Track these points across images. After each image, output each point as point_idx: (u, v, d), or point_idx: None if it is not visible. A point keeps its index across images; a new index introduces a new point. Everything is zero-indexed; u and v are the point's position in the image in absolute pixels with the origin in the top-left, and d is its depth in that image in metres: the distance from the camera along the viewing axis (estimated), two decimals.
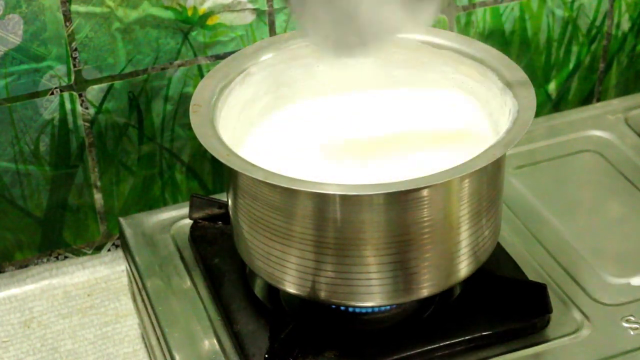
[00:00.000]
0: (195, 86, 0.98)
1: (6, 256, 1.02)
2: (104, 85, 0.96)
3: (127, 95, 0.97)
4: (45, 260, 1.03)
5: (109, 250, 1.05)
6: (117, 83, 0.97)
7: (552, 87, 1.13)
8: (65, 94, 0.95)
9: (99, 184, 1.01)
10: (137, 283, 0.90)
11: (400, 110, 0.88)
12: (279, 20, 0.99)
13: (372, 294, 0.77)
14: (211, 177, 1.05)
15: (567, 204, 0.96)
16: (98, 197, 1.02)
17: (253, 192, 0.77)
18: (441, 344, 0.80)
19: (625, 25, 1.12)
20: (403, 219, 0.75)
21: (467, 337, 0.80)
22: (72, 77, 0.95)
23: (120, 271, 1.03)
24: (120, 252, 1.04)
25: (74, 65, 0.94)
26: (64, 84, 0.95)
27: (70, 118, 0.97)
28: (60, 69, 0.94)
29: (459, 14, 1.05)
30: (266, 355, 0.78)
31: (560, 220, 0.93)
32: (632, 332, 0.82)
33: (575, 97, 1.15)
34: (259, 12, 0.98)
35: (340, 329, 0.82)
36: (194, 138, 0.78)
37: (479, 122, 0.85)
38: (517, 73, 0.82)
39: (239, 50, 0.88)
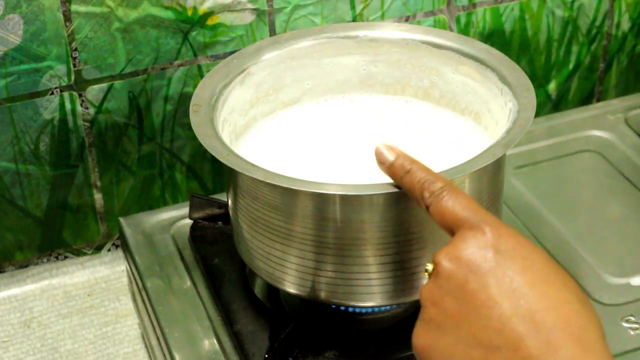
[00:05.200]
0: (195, 86, 0.98)
1: (6, 256, 1.02)
2: (104, 85, 0.96)
3: (127, 95, 0.97)
4: (45, 260, 1.03)
5: (109, 250, 1.05)
6: (117, 83, 0.97)
7: (552, 87, 1.13)
8: (65, 94, 0.95)
9: (99, 184, 1.01)
10: (137, 283, 0.90)
11: (401, 110, 0.88)
12: (279, 20, 0.99)
13: (372, 294, 0.77)
14: (211, 177, 1.05)
15: (567, 204, 0.96)
16: (98, 197, 1.02)
17: (253, 192, 0.77)
18: None
19: (625, 25, 1.12)
20: (403, 219, 0.75)
21: None
22: (72, 77, 0.95)
23: (120, 271, 1.03)
24: (120, 252, 1.04)
25: (74, 65, 0.94)
26: (64, 83, 0.95)
27: (70, 118, 0.97)
28: (60, 68, 0.94)
29: (459, 14, 1.05)
30: (266, 355, 0.78)
31: (560, 220, 0.93)
32: (632, 332, 0.82)
33: (575, 97, 1.15)
34: (259, 12, 0.98)
35: (340, 329, 0.82)
36: (194, 138, 0.78)
37: (478, 123, 0.86)
38: (517, 73, 0.82)
39: (239, 50, 0.88)
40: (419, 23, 1.03)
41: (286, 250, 0.77)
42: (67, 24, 0.92)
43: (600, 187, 0.98)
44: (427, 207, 0.68)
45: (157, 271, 0.89)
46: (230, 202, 0.82)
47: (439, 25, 1.04)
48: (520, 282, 0.61)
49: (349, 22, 1.01)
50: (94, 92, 0.96)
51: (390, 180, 0.72)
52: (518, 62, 1.07)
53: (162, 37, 0.96)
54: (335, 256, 0.76)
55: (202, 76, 0.98)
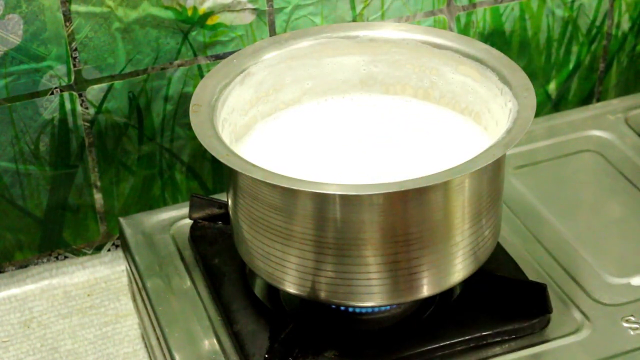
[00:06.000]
0: (195, 86, 0.98)
1: (6, 256, 1.02)
2: (104, 85, 0.96)
3: (127, 95, 0.97)
4: (45, 260, 1.03)
5: (109, 250, 1.05)
6: (117, 83, 0.97)
7: (552, 87, 1.13)
8: (65, 94, 0.95)
9: (99, 184, 1.01)
10: (137, 283, 0.90)
11: (401, 110, 0.88)
12: (279, 20, 0.99)
13: (372, 294, 0.77)
14: (211, 177, 1.05)
15: (567, 204, 0.96)
16: (98, 197, 1.02)
17: (253, 192, 0.77)
18: (441, 344, 0.80)
19: (625, 25, 1.12)
20: (403, 219, 0.75)
21: (467, 337, 0.80)
22: (72, 77, 0.95)
23: (120, 271, 1.03)
24: (120, 252, 1.04)
25: (74, 65, 0.94)
26: (64, 83, 0.95)
27: (70, 118, 0.97)
28: (60, 68, 0.94)
29: (459, 14, 1.05)
30: (266, 355, 0.78)
31: (560, 220, 0.93)
32: (632, 332, 0.82)
33: (575, 97, 1.15)
34: (259, 12, 0.98)
35: (340, 329, 0.82)
36: (194, 138, 0.78)
37: (478, 123, 0.86)
38: (517, 73, 0.82)
39: (239, 50, 0.88)
40: (419, 23, 1.03)
41: (286, 250, 0.77)
42: (67, 24, 0.92)
43: (600, 187, 0.98)
44: None
45: (157, 271, 0.89)
46: (230, 202, 0.82)
47: (439, 25, 1.04)
48: None
49: (349, 22, 1.01)
50: (94, 92, 0.96)
51: (390, 180, 0.72)
52: (518, 62, 1.07)
53: (162, 37, 0.96)
54: (335, 256, 0.76)
55: (202, 76, 0.98)
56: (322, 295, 0.78)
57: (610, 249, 0.90)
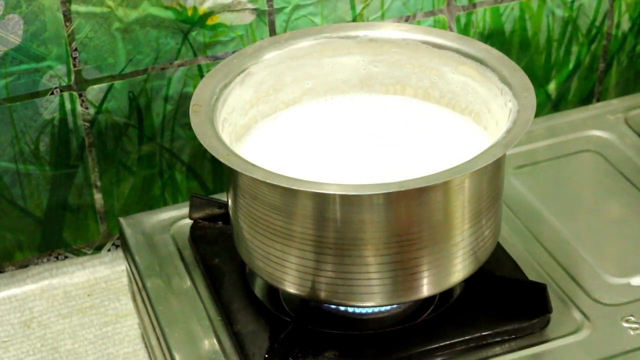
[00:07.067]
0: (195, 86, 0.98)
1: (6, 256, 1.02)
2: (104, 85, 0.96)
3: (127, 95, 0.97)
4: (45, 260, 1.03)
5: (109, 250, 1.05)
6: (117, 83, 0.97)
7: (552, 87, 1.13)
8: (65, 94, 0.95)
9: (99, 184, 1.01)
10: (137, 283, 0.90)
11: (400, 110, 0.88)
12: (279, 20, 0.99)
13: (372, 294, 0.77)
14: (211, 177, 1.05)
15: (567, 204, 0.96)
16: (98, 197, 1.02)
17: (253, 192, 0.77)
18: (441, 344, 0.80)
19: (625, 25, 1.12)
20: (403, 219, 0.75)
21: (467, 337, 0.80)
22: (72, 77, 0.95)
23: (120, 271, 1.03)
24: (120, 252, 1.04)
25: (74, 65, 0.94)
26: (63, 84, 0.95)
27: (70, 118, 0.97)
28: (60, 68, 0.94)
29: (459, 14, 1.05)
30: (266, 355, 0.78)
31: (560, 220, 0.93)
32: (632, 332, 0.82)
33: (575, 97, 1.15)
34: (259, 12, 0.98)
35: (340, 329, 0.82)
36: (194, 138, 0.78)
37: (478, 123, 0.86)
38: (517, 73, 0.82)
39: (239, 50, 0.88)
40: (419, 23, 1.03)
41: (286, 250, 0.77)
42: (67, 24, 0.92)
43: (600, 187, 0.98)
44: None
45: (157, 271, 0.89)
46: (230, 202, 0.82)
47: (439, 25, 1.04)
48: None
49: (349, 22, 1.01)
50: (94, 92, 0.96)
51: (390, 180, 0.72)
52: (518, 62, 1.07)
53: (162, 37, 0.96)
54: (335, 256, 0.76)
55: (202, 76, 0.98)
56: (322, 295, 0.78)
57: (610, 249, 0.90)
